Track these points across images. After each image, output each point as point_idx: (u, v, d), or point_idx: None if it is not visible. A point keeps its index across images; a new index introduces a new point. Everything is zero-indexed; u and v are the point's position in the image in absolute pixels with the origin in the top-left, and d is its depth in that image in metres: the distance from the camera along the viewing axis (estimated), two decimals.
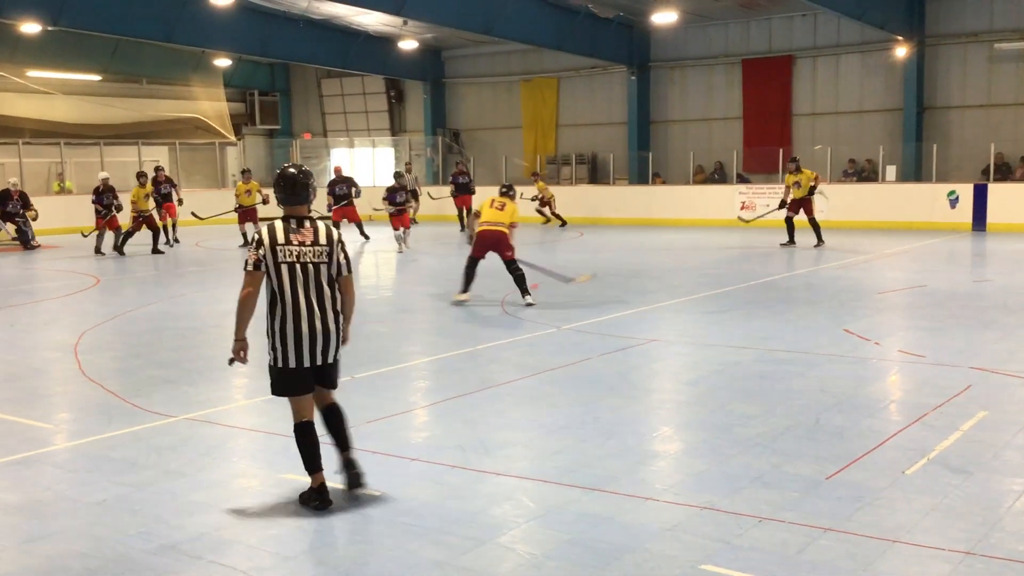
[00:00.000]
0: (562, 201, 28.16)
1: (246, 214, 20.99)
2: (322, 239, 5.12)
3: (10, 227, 20.71)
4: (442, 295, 13.78)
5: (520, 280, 12.26)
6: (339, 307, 5.21)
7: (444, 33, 28.12)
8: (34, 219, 21.13)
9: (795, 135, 26.96)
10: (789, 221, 19.66)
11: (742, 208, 24.61)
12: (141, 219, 19.83)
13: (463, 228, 24.47)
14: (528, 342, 9.79)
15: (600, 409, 7.08)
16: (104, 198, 20.02)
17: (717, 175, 27.71)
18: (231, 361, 5.36)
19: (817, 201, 19.75)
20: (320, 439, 5.26)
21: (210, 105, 31.20)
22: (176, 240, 21.82)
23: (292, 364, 5.10)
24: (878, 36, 24.67)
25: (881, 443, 6.12)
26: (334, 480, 5.28)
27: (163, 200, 21.40)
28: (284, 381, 5.19)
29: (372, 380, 8.14)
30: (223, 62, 30.38)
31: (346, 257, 5.24)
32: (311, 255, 5.08)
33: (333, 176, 22.19)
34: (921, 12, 24.64)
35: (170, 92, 30.44)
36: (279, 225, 5.12)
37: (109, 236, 20.13)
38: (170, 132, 30.29)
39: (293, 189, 5.18)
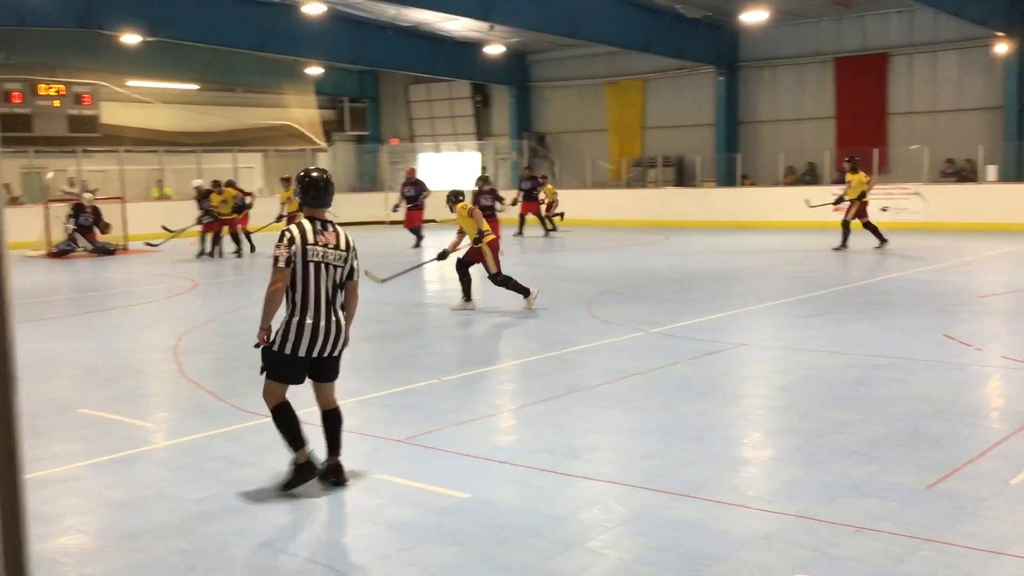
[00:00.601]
0: (649, 204, 27.99)
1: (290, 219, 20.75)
2: (342, 244, 5.47)
3: (82, 241, 21.23)
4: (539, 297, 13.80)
5: (512, 286, 12.10)
6: (342, 307, 5.55)
7: (530, 37, 28.21)
8: (103, 234, 21.45)
9: (890, 134, 26.28)
10: (845, 224, 18.95)
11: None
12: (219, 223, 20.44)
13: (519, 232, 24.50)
14: (615, 346, 9.74)
15: (689, 414, 7.00)
16: (203, 204, 20.61)
17: (808, 176, 27.16)
18: (257, 346, 5.58)
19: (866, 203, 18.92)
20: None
21: (302, 112, 31.89)
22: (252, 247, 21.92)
23: (301, 353, 5.38)
24: (977, 32, 23.87)
25: (983, 452, 5.92)
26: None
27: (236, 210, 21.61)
28: (281, 367, 5.46)
29: (460, 383, 8.20)
30: (314, 70, 31.03)
31: (357, 263, 5.60)
32: (333, 257, 5.41)
33: (404, 179, 22.33)
34: (1023, 8, 23.76)
35: (264, 100, 31.23)
36: (307, 225, 5.40)
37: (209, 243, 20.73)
38: (263, 139, 31.07)
39: (317, 192, 5.48)
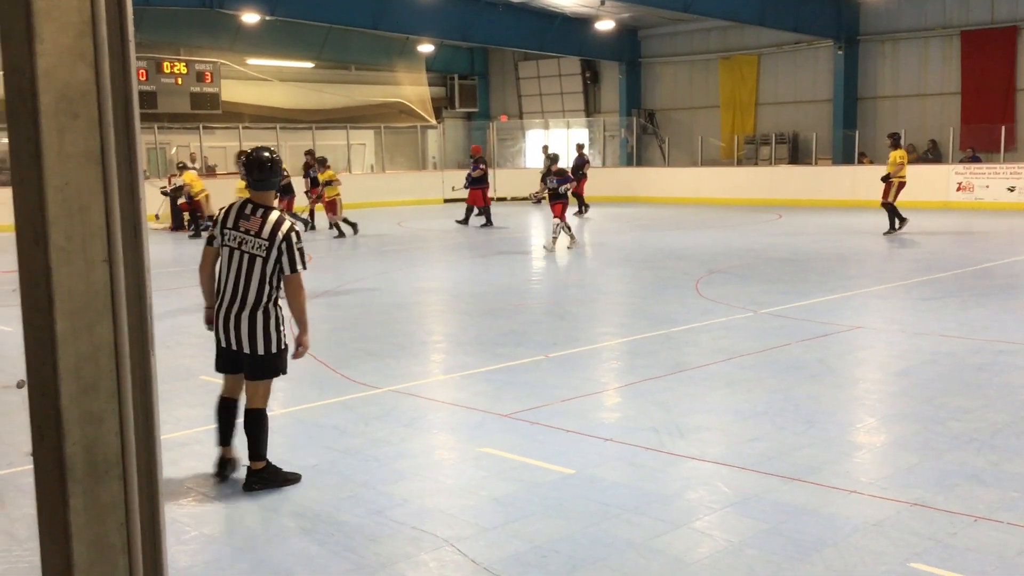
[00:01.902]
0: (761, 182, 27.39)
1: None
2: (264, 233, 5.00)
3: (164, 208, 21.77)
4: (635, 276, 13.72)
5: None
6: (268, 302, 5.08)
7: (641, 12, 27.83)
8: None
9: (1019, 111, 25.02)
10: (887, 206, 17.85)
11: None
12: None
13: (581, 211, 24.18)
14: (724, 326, 9.60)
15: (800, 396, 6.86)
16: (310, 172, 21.05)
17: (930, 154, 26.12)
18: (207, 327, 5.40)
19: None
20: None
21: (413, 90, 32.25)
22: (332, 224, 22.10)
23: (220, 343, 5.23)
24: None
25: None
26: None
27: (312, 185, 21.87)
28: (216, 356, 5.35)
29: (566, 359, 8.21)
30: (426, 48, 31.31)
31: (290, 258, 5.04)
32: (251, 245, 5.02)
33: (473, 156, 22.21)
34: None
35: (376, 78, 31.69)
36: (235, 209, 5.13)
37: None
38: (375, 116, 31.56)
39: (260, 173, 5.12)
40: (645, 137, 31.81)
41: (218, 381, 7.47)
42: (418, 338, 9.42)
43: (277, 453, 5.79)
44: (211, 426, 6.40)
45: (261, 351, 5.10)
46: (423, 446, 5.92)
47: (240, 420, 5.34)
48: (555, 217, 16.58)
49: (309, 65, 29.93)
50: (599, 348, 8.89)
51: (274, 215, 5.07)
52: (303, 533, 4.57)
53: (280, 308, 5.20)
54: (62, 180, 2.28)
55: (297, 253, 5.06)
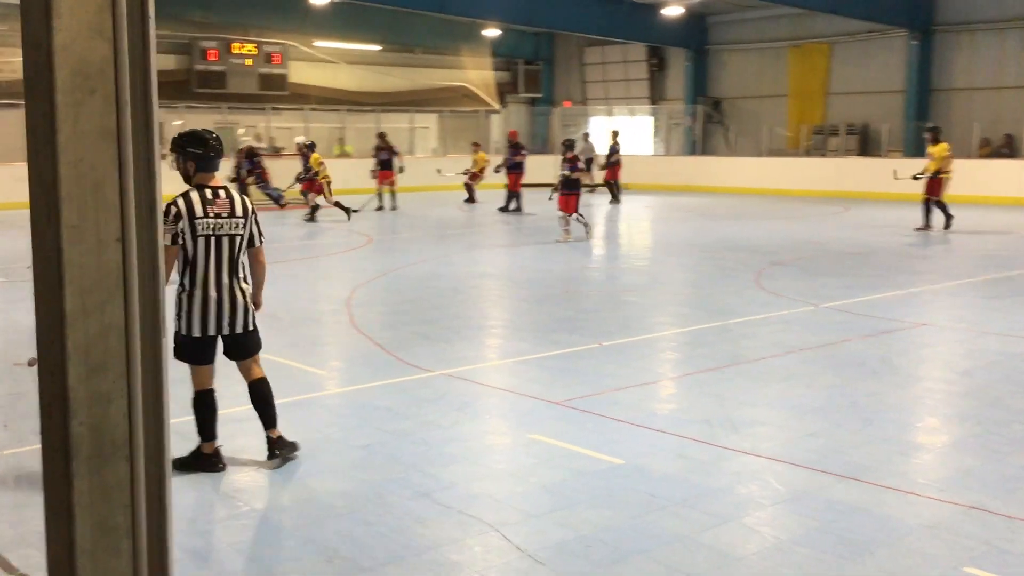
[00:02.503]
0: (828, 174, 26.87)
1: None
2: (238, 211, 5.05)
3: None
4: (694, 266, 13.58)
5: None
6: (247, 279, 5.18)
7: None
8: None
9: None
10: (926, 203, 17.15)
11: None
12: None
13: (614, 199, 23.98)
14: (783, 319, 9.45)
15: (858, 393, 6.72)
16: (381, 155, 21.25)
17: (1006, 149, 25.36)
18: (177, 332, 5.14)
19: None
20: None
21: (477, 74, 32.25)
22: (394, 207, 22.31)
23: (196, 333, 5.04)
24: None
25: None
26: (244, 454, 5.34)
27: (381, 167, 22.11)
28: (187, 349, 5.10)
29: (620, 348, 8.16)
30: (491, 32, 31.25)
31: (258, 229, 5.18)
32: (228, 227, 5.00)
33: (510, 140, 22.06)
34: None
35: (441, 61, 31.75)
36: (195, 196, 4.97)
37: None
38: (439, 100, 31.63)
39: (207, 153, 5.02)
40: (710, 126, 31.40)
41: (276, 360, 7.60)
42: (473, 322, 9.44)
43: (328, 433, 5.86)
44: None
45: (252, 326, 5.21)
46: (474, 431, 5.93)
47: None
48: (560, 210, 15.57)
49: (375, 48, 30.08)
50: (654, 338, 8.82)
51: (235, 194, 5.15)
52: (350, 513, 4.61)
53: (249, 284, 5.26)
54: (76, 156, 2.26)
55: (259, 224, 5.24)
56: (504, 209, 21.43)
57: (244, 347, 5.23)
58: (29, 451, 5.35)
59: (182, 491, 4.89)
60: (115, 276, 2.33)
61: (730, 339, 8.60)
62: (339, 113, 29.18)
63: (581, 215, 15.73)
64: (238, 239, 5.05)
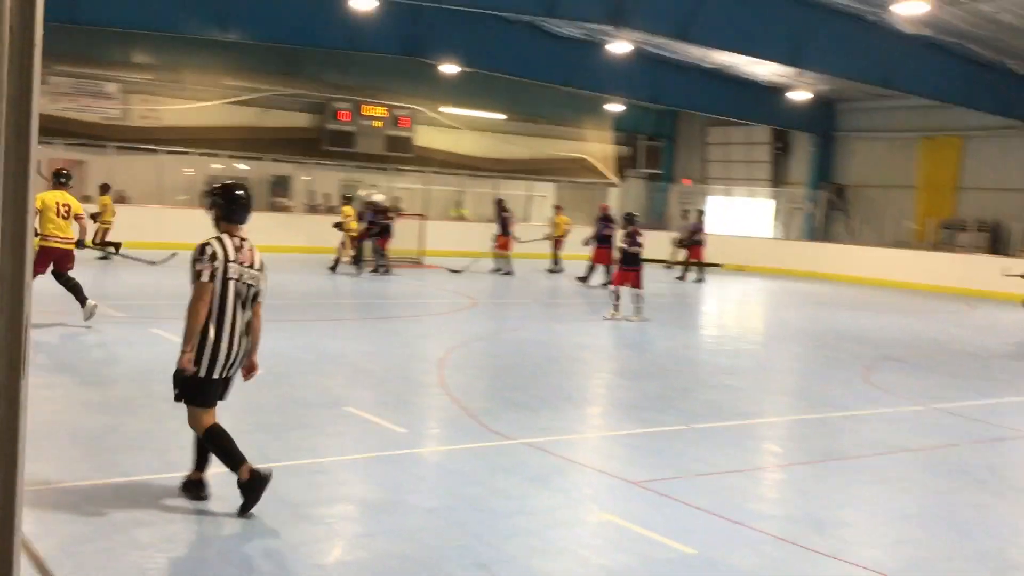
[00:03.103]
0: (954, 270, 25.83)
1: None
2: (257, 264, 5.30)
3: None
4: (801, 354, 13.16)
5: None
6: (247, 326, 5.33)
7: (839, 85, 27.03)
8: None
9: None
10: None
11: None
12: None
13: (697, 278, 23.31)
14: (888, 417, 9.01)
15: (959, 503, 6.30)
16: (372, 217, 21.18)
17: None
18: (180, 373, 5.18)
19: None
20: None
21: (598, 147, 32.50)
22: (509, 271, 22.38)
23: (208, 375, 5.16)
24: None
25: None
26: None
27: (502, 232, 22.46)
28: (202, 391, 5.20)
29: (710, 432, 7.90)
30: (614, 107, 31.53)
31: (265, 285, 5.40)
32: (248, 277, 5.24)
33: (601, 213, 21.61)
34: None
35: (562, 133, 32.13)
36: (228, 242, 5.21)
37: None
38: (558, 170, 31.95)
39: (237, 208, 5.29)
40: (832, 212, 30.70)
41: (361, 414, 7.65)
42: (562, 393, 9.32)
43: (398, 492, 5.80)
44: (345, 456, 6.54)
45: (232, 373, 5.38)
46: (544, 504, 5.79)
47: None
48: (615, 284, 14.99)
49: (500, 116, 30.69)
50: (747, 424, 8.51)
51: (255, 247, 5.36)
52: (405, 575, 4.53)
53: None
54: None
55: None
56: (583, 279, 21.12)
57: (227, 390, 5.42)
58: (106, 484, 5.48)
59: (232, 535, 4.91)
60: None
61: (828, 433, 8.23)
62: (459, 177, 29.76)
63: (639, 293, 14.85)
64: (252, 289, 5.28)
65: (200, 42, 23.67)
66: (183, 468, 5.53)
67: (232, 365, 5.26)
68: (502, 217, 22.59)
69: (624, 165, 33.93)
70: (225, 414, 7.59)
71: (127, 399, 5.22)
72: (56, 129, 23.93)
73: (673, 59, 26.90)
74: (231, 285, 5.15)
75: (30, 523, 4.80)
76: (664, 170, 35.03)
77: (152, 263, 11.43)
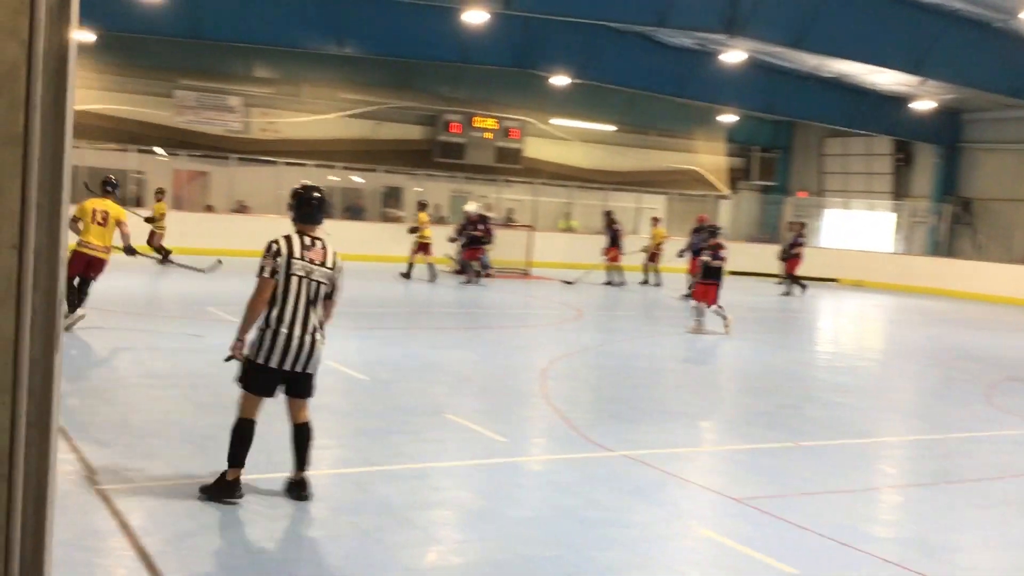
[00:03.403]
0: None
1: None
2: (329, 262, 5.46)
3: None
4: (919, 373, 12.65)
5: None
6: (321, 327, 5.45)
7: (965, 94, 25.97)
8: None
9: None
10: None
11: None
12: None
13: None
14: (1010, 439, 8.57)
15: None
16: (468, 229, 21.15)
17: None
18: (228, 359, 5.47)
19: None
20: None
21: (710, 158, 32.03)
22: (622, 282, 22.31)
23: (273, 364, 5.29)
24: None
25: None
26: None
27: (612, 244, 22.27)
28: (254, 377, 5.36)
29: (817, 450, 7.66)
30: (728, 118, 31.04)
31: (340, 284, 5.55)
32: (317, 274, 5.39)
33: (697, 224, 20.92)
34: None
35: (674, 144, 31.79)
36: (295, 239, 5.40)
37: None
38: (669, 182, 31.61)
39: (308, 209, 5.48)
40: (957, 227, 29.49)
41: (461, 422, 7.69)
42: (665, 406, 9.18)
43: (493, 501, 5.80)
44: (444, 463, 6.58)
45: (314, 371, 5.49)
46: (642, 518, 5.70)
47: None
48: (696, 299, 14.28)
49: (611, 128, 30.57)
50: (858, 443, 8.21)
51: (330, 245, 5.51)
52: None
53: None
54: None
55: (340, 281, 5.58)
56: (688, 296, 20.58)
57: (304, 387, 5.50)
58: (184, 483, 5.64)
59: (330, 535, 4.99)
60: (6, 284, 2.22)
61: (944, 454, 7.88)
62: (568, 189, 29.75)
63: (720, 307, 14.19)
64: (322, 287, 5.43)
65: (318, 57, 24.37)
66: (288, 468, 5.66)
67: (297, 360, 5.34)
68: (612, 229, 22.51)
69: (737, 177, 33.34)
70: (330, 418, 7.79)
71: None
72: (181, 141, 24.98)
73: (789, 68, 26.34)
74: (294, 280, 5.32)
75: (140, 518, 4.99)
76: (779, 182, 34.28)
77: (201, 270, 11.67)
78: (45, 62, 2.24)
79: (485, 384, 9.66)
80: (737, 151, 33.24)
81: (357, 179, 27.86)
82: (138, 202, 24.28)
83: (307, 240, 5.43)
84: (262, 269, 5.34)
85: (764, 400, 9.82)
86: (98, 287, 10.90)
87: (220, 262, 11.83)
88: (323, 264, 5.43)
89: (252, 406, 5.44)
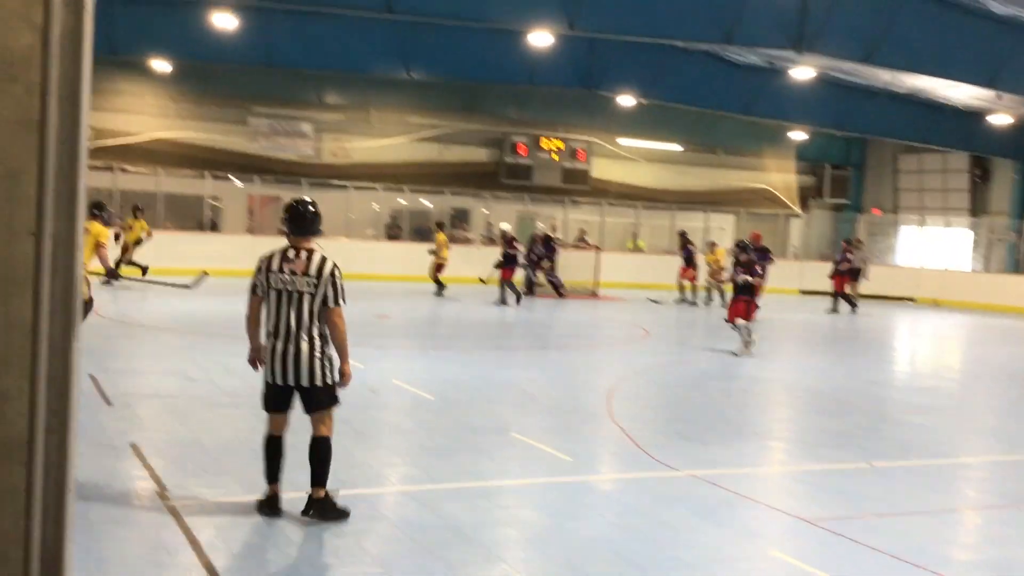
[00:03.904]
0: None
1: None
2: (312, 271, 5.34)
3: (540, 275, 22.52)
4: (1001, 393, 12.25)
5: None
6: (320, 336, 5.37)
7: None
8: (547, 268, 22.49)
9: None
10: None
11: None
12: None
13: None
14: None
15: None
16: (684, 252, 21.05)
17: None
18: (251, 364, 5.64)
19: None
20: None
21: (779, 177, 31.60)
22: (694, 302, 22.14)
23: (268, 379, 5.41)
24: None
25: None
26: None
27: (687, 264, 22.22)
28: (264, 395, 5.50)
29: (892, 472, 7.45)
30: (798, 135, 30.61)
31: (334, 292, 5.36)
32: (299, 284, 5.33)
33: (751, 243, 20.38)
34: None
35: (742, 163, 31.45)
36: (278, 253, 5.42)
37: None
38: (737, 201, 31.24)
39: (293, 221, 5.46)
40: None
41: (527, 440, 7.67)
42: (734, 426, 9.02)
43: (558, 519, 5.75)
44: (510, 480, 6.56)
45: (319, 382, 5.36)
46: (710, 538, 5.59)
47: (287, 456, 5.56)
48: (733, 318, 13.57)
49: (677, 147, 30.39)
50: (937, 465, 7.97)
51: (317, 255, 5.42)
52: None
53: (327, 342, 5.42)
54: None
55: (340, 288, 5.41)
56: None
57: (309, 401, 5.44)
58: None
59: (394, 552, 4.99)
60: (24, 270, 2.22)
61: None
62: (635, 208, 29.61)
63: (748, 326, 13.47)
64: (307, 296, 5.35)
65: (387, 82, 24.73)
66: (355, 486, 5.70)
67: (285, 373, 5.35)
68: (687, 250, 22.35)
69: (808, 195, 32.80)
70: (396, 436, 7.83)
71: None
72: (254, 167, 25.51)
73: (861, 84, 25.88)
74: (273, 294, 5.39)
75: (208, 534, 5.07)
76: (852, 200, 33.65)
77: (173, 285, 11.40)
78: (60, 48, 2.23)
79: (551, 403, 9.63)
80: (808, 169, 32.73)
81: (425, 202, 28.12)
82: (214, 227, 24.88)
83: (291, 253, 5.42)
84: (251, 287, 5.50)
85: (837, 420, 9.60)
86: (176, 308, 11.13)
87: (206, 274, 11.44)
88: (305, 273, 5.37)
89: (271, 422, 5.53)
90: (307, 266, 5.38)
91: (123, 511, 5.50)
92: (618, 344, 15.00)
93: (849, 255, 23.30)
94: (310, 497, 5.41)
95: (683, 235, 23.12)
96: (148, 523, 5.28)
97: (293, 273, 5.36)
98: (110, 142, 23.42)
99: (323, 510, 5.39)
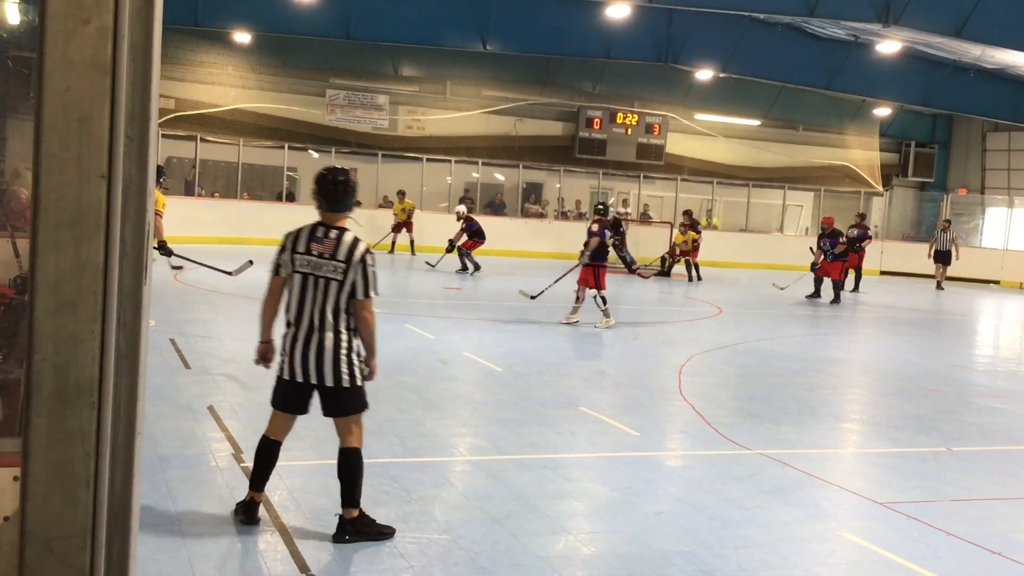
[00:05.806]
0: None
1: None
2: (340, 255, 4.61)
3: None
4: None
5: None
6: (348, 329, 4.66)
7: None
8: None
9: None
10: None
11: None
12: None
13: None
14: None
15: None
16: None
17: None
18: (256, 362, 4.96)
19: None
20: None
21: (861, 154, 30.82)
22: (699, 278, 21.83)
23: (284, 375, 4.71)
24: None
25: None
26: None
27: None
28: (275, 390, 4.81)
29: (972, 456, 7.26)
30: (882, 111, 29.82)
31: (364, 279, 4.62)
32: (326, 269, 4.60)
33: (824, 228, 19.52)
34: None
35: (823, 139, 30.75)
36: (305, 231, 4.70)
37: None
38: (817, 178, 30.58)
39: (322, 193, 4.72)
40: None
41: (595, 415, 7.66)
42: (807, 406, 8.88)
43: (626, 494, 5.74)
44: (578, 454, 6.57)
45: (346, 383, 4.66)
46: (779, 518, 5.53)
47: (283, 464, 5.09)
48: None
49: (755, 123, 29.84)
50: (1017, 450, 7.75)
51: (348, 236, 4.70)
52: None
53: (355, 337, 4.74)
54: (63, 86, 2.18)
55: (372, 277, 4.69)
56: (813, 295, 19.43)
57: (332, 403, 4.73)
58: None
59: (459, 520, 5.03)
60: (95, 213, 2.22)
61: None
62: (710, 185, 29.20)
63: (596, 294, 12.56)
64: (334, 284, 4.62)
65: (463, 55, 24.77)
66: (423, 454, 5.76)
67: (305, 369, 4.64)
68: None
69: (891, 173, 31.96)
70: (464, 407, 7.88)
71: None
72: (330, 139, 25.81)
73: (949, 59, 25.11)
74: (297, 278, 4.67)
75: (281, 496, 5.18)
76: (937, 179, 32.69)
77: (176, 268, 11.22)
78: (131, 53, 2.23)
79: (620, 379, 9.60)
80: (891, 146, 31.87)
81: (499, 175, 28.14)
82: (291, 198, 25.28)
83: (320, 231, 4.69)
84: (274, 266, 4.78)
85: (915, 403, 9.38)
86: (255, 276, 11.34)
87: (251, 263, 11.30)
88: (333, 257, 4.62)
89: (274, 422, 4.86)
90: (336, 248, 4.63)
91: (200, 471, 5.65)
92: (690, 321, 14.87)
93: (865, 231, 22.17)
94: (341, 519, 4.69)
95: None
96: (223, 483, 5.42)
97: (320, 256, 4.63)
98: (192, 112, 23.91)
99: (360, 529, 4.69)
